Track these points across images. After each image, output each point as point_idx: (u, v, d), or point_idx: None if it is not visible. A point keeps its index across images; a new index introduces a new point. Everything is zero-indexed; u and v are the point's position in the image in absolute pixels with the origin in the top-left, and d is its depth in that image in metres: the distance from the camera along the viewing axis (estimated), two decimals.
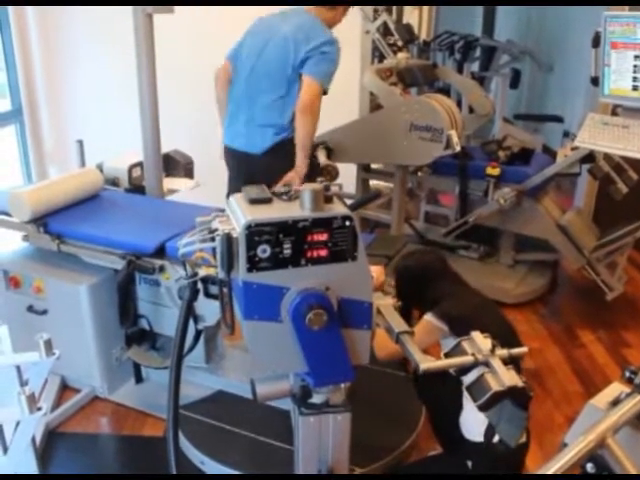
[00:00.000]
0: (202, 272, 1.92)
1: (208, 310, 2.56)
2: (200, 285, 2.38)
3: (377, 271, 2.13)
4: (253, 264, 1.60)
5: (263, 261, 1.60)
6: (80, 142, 3.48)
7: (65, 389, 3.09)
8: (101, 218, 2.96)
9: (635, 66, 3.01)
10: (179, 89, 4.14)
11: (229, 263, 1.61)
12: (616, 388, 1.19)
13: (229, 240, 1.59)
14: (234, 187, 3.26)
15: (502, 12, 8.98)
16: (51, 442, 2.76)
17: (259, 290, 1.63)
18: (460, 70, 6.80)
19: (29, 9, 4.37)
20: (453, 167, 4.07)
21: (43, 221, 2.87)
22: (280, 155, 3.17)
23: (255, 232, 1.58)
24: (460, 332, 2.01)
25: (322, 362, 1.74)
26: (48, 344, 1.83)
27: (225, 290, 1.81)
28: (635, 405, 1.11)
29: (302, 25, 3.11)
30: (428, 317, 2.25)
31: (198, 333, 2.69)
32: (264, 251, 1.60)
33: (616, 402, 1.14)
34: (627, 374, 1.16)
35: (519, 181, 3.78)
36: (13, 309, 2.99)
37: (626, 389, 1.17)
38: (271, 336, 1.69)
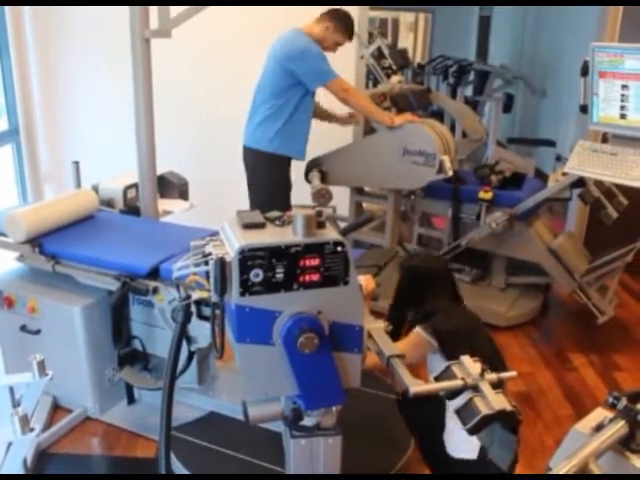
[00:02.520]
0: (196, 295, 1.94)
1: (201, 332, 2.58)
2: (193, 307, 2.39)
3: (366, 280, 2.16)
4: (246, 288, 1.62)
5: (256, 285, 1.63)
6: (76, 163, 3.51)
7: (57, 409, 3.08)
8: (96, 239, 2.97)
9: (623, 95, 3.07)
10: (175, 111, 4.17)
11: (222, 287, 1.64)
12: (600, 413, 1.21)
13: (222, 264, 1.61)
14: None
15: (496, 37, 9.10)
16: (42, 463, 2.75)
17: (251, 314, 1.65)
18: (454, 94, 6.88)
19: (28, 31, 4.42)
20: (446, 191, 4.10)
21: (38, 242, 2.88)
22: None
23: (248, 257, 1.60)
24: (448, 349, 2.03)
25: (313, 385, 1.75)
26: (41, 365, 1.84)
27: (217, 313, 1.83)
28: (617, 430, 1.14)
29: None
30: (418, 330, 2.25)
31: (191, 355, 2.70)
32: (257, 275, 1.62)
33: (599, 427, 1.16)
34: (610, 400, 1.18)
35: (511, 205, 3.82)
36: (6, 328, 3.00)
37: (610, 414, 1.19)
38: (263, 359, 1.71)
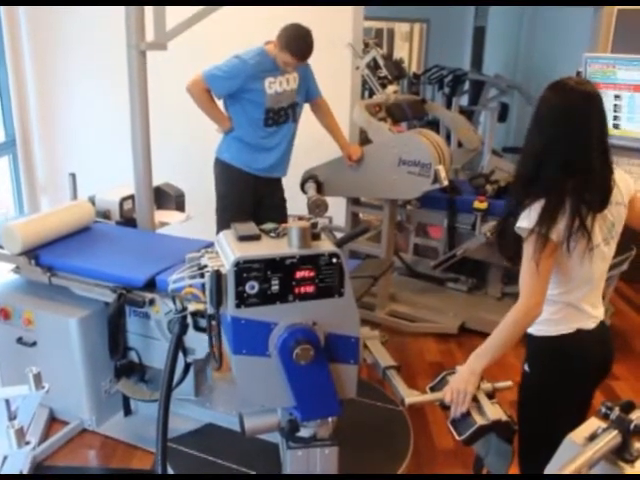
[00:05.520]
0: (192, 307, 1.95)
1: (197, 343, 2.57)
2: (189, 319, 2.40)
3: None
4: (242, 300, 1.63)
5: (251, 297, 1.64)
6: (73, 175, 3.51)
7: (53, 421, 3.07)
8: (92, 251, 2.97)
9: (615, 105, 3.09)
10: (171, 122, 4.19)
11: (218, 299, 1.64)
12: (594, 423, 1.21)
13: (218, 277, 1.62)
14: None
15: (490, 47, 9.14)
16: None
17: (247, 325, 1.66)
18: (449, 103, 6.91)
19: (25, 43, 4.44)
20: (441, 201, 4.12)
21: (34, 253, 2.89)
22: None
23: (244, 269, 1.61)
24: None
25: (309, 396, 1.76)
26: (38, 378, 1.85)
27: (214, 325, 1.83)
28: (610, 440, 1.14)
29: None
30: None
31: (187, 366, 2.70)
32: (252, 287, 1.63)
33: (593, 437, 1.17)
34: (603, 410, 1.19)
35: None
36: (2, 341, 3.00)
37: (603, 424, 1.20)
38: (259, 371, 1.72)
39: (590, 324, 1.92)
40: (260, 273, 1.63)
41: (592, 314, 1.92)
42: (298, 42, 3.32)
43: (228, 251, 1.69)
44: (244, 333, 1.67)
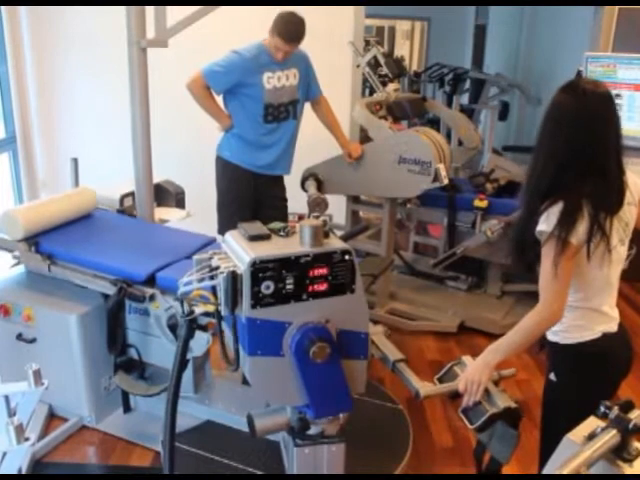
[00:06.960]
0: (200, 309, 1.93)
1: (196, 341, 2.57)
2: None
3: None
4: (257, 300, 1.63)
5: (267, 297, 1.64)
6: (75, 160, 3.50)
7: (52, 418, 3.07)
8: (94, 240, 2.97)
9: (616, 104, 3.08)
10: (171, 119, 4.18)
11: (234, 300, 1.64)
12: (593, 422, 1.22)
13: (234, 278, 1.62)
14: None
15: (491, 46, 9.14)
16: (37, 472, 2.73)
17: (262, 326, 1.66)
18: (450, 102, 6.91)
19: (25, 39, 4.43)
20: (442, 199, 4.12)
21: (35, 240, 2.88)
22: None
23: (260, 269, 1.61)
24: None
25: (323, 394, 1.77)
26: (37, 374, 1.84)
27: (224, 327, 1.83)
28: (609, 439, 1.14)
29: None
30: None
31: (185, 363, 2.69)
32: (268, 287, 1.63)
33: (592, 436, 1.17)
34: (602, 409, 1.19)
35: (506, 213, 3.83)
36: (2, 337, 2.99)
37: (602, 423, 1.20)
38: (273, 370, 1.72)
39: (613, 326, 1.93)
40: (275, 272, 1.63)
41: (613, 316, 1.93)
42: (288, 26, 3.32)
43: (241, 252, 1.69)
44: (259, 334, 1.68)
